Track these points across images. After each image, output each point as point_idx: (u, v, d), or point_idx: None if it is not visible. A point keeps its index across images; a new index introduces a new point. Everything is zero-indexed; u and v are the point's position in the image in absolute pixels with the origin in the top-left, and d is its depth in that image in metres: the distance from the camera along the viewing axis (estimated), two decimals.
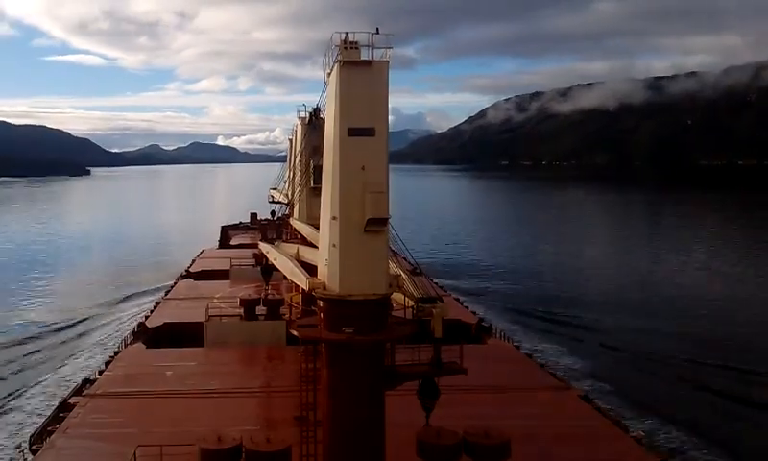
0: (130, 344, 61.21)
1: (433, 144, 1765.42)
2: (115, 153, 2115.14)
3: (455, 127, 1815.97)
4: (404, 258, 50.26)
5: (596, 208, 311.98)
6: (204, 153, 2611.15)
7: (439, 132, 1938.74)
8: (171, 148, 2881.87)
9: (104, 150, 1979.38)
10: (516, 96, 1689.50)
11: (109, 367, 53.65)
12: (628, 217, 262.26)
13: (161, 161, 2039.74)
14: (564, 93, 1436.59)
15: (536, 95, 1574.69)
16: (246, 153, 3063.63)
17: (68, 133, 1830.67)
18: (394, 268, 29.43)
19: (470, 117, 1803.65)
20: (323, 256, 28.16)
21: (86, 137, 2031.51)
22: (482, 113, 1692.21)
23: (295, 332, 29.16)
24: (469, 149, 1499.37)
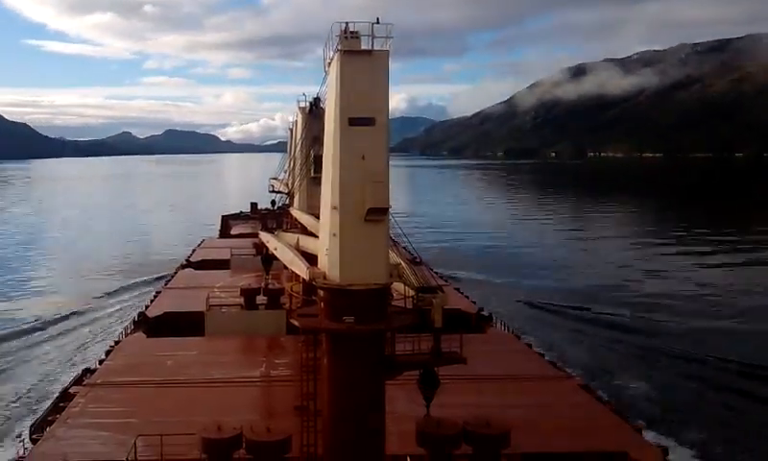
0: (130, 333, 61.31)
1: (465, 128, 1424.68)
2: (59, 140, 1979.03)
3: (500, 102, 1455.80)
4: (404, 248, 50.27)
5: None
6: (179, 141, 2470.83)
7: (469, 115, 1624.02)
8: (143, 136, 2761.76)
9: (43, 137, 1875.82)
10: (606, 60, 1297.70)
11: (110, 356, 53.75)
12: None
13: (117, 152, 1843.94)
14: (718, 47, 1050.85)
15: (652, 57, 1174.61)
16: (229, 141, 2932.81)
17: (2, 117, 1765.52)
18: (394, 257, 29.39)
19: (513, 96, 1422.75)
20: (323, 246, 28.14)
21: (26, 123, 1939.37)
22: (545, 83, 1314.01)
23: (295, 322, 29.16)
24: (537, 131, 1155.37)
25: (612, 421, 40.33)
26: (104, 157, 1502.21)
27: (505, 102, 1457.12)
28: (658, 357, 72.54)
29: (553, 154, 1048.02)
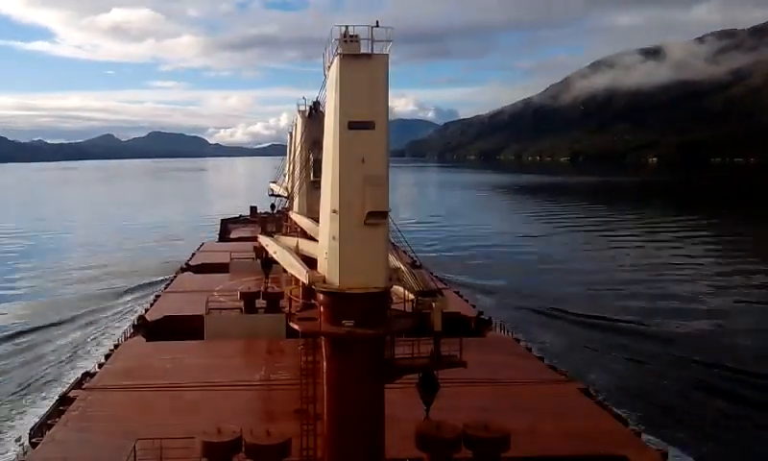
0: (129, 337, 61.31)
1: (491, 129, 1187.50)
2: (27, 143, 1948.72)
3: (533, 96, 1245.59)
4: (404, 251, 50.29)
5: None
6: (164, 144, 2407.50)
7: (488, 112, 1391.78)
8: (126, 139, 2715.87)
9: (9, 141, 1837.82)
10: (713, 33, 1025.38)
11: (109, 360, 53.78)
12: None
13: (92, 156, 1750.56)
14: None
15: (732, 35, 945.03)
16: (217, 145, 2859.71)
17: None
18: (393, 261, 29.41)
19: (547, 89, 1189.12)
20: (322, 250, 28.14)
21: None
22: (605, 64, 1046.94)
23: (295, 326, 29.14)
24: (608, 128, 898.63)
25: (612, 424, 40.32)
26: (67, 162, 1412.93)
27: (541, 94, 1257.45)
28: None
29: (653, 159, 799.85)
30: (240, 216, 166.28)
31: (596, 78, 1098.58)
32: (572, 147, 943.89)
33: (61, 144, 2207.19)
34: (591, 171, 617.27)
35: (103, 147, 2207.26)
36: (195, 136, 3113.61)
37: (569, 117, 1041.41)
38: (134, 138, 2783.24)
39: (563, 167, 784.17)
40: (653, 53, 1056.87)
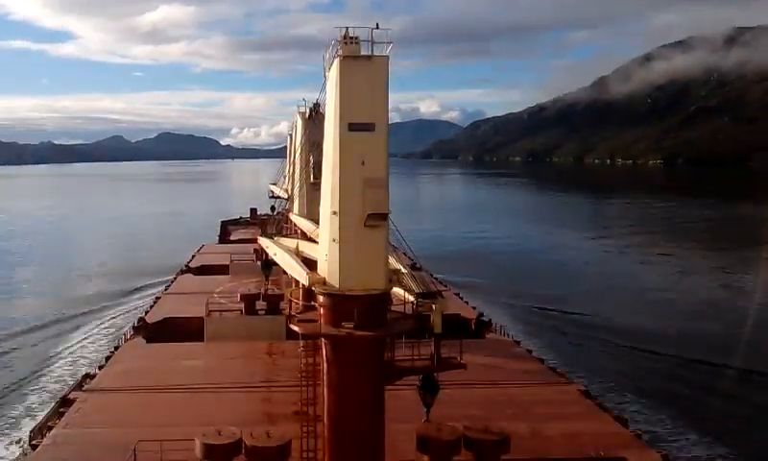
0: (130, 338, 61.33)
1: (534, 127, 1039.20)
2: (30, 145, 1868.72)
3: (579, 90, 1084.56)
4: (404, 253, 50.35)
5: None
6: (173, 145, 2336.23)
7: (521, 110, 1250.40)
8: (135, 140, 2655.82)
9: (5, 143, 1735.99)
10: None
11: (109, 362, 53.80)
12: None
13: (92, 158, 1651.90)
14: None
15: None
16: (229, 146, 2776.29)
17: None
18: (393, 263, 29.41)
19: (598, 81, 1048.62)
20: (322, 251, 28.14)
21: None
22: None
23: (295, 327, 29.12)
24: (699, 123, 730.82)
25: (612, 427, 40.28)
26: (55, 166, 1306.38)
27: (589, 87, 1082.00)
28: None
29: None
30: (240, 218, 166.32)
31: (663, 65, 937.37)
32: (658, 145, 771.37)
33: (64, 146, 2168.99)
34: (732, 182, 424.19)
35: (111, 149, 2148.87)
36: (205, 137, 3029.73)
37: (634, 111, 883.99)
38: (143, 140, 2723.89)
39: (656, 172, 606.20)
40: (733, 36, 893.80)
